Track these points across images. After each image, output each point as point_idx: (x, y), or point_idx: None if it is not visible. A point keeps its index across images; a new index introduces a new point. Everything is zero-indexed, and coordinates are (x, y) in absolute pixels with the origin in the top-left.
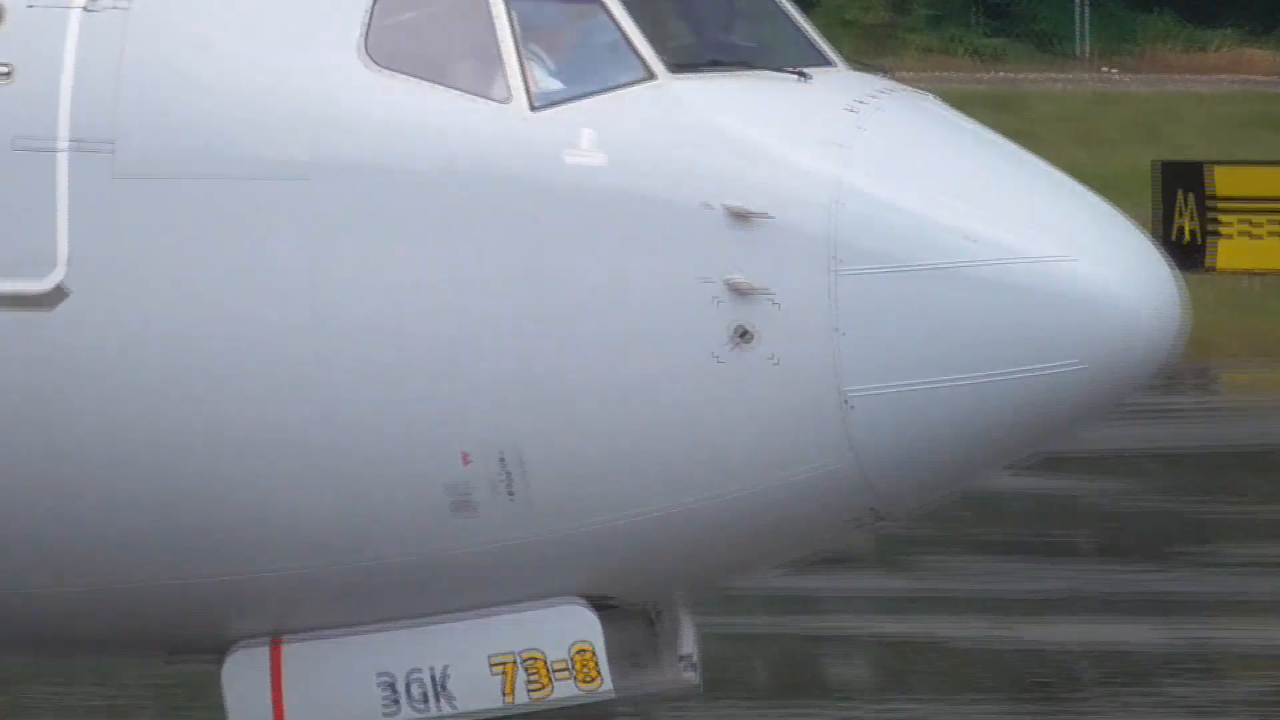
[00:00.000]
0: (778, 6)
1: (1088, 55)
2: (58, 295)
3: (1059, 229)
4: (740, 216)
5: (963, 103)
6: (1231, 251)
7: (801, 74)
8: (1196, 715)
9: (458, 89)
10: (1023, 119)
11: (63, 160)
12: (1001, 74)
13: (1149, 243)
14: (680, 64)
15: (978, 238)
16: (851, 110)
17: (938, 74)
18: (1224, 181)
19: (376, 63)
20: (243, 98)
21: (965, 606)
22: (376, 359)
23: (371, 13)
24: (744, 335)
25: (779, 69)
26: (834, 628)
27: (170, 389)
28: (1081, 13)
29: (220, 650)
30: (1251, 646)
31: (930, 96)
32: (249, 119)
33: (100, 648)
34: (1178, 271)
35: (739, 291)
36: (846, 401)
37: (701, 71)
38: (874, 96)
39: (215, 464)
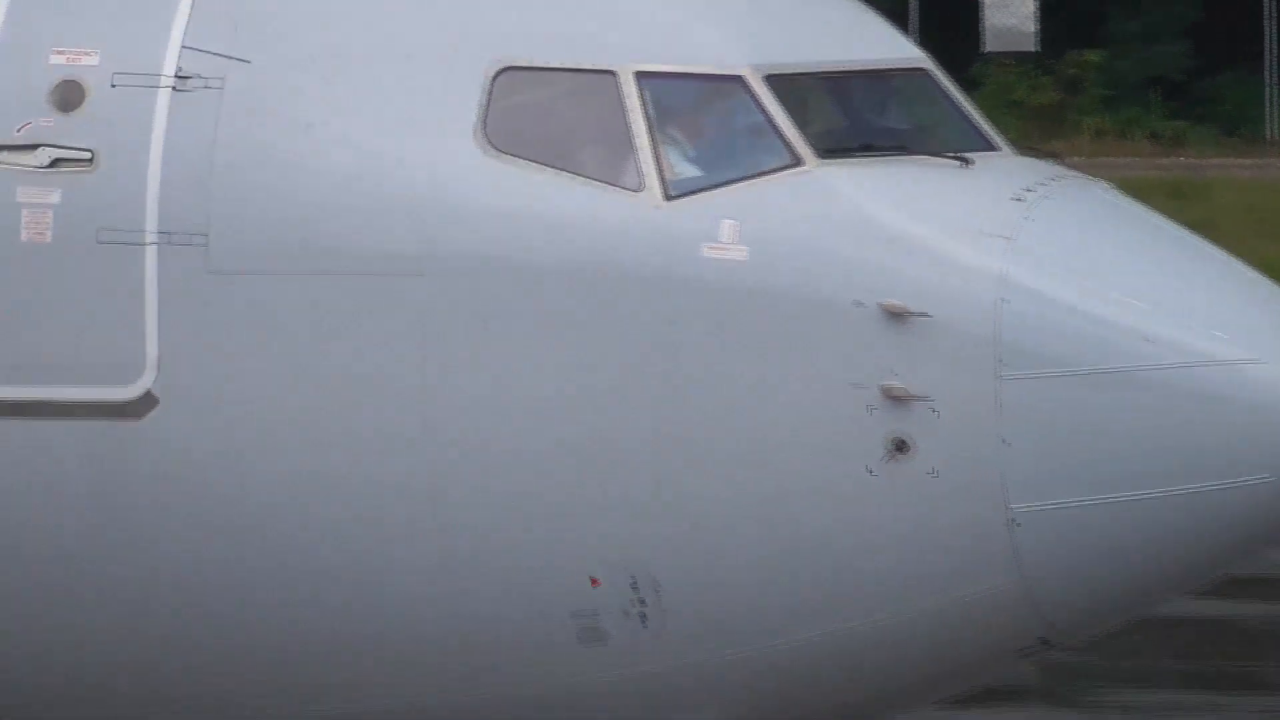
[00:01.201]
0: (937, 87)
1: (1277, 139)
2: (147, 403)
3: (1246, 329)
4: (896, 316)
5: (1140, 190)
6: None
7: (963, 160)
8: None
9: (585, 176)
10: (1205, 208)
11: (151, 254)
12: (1182, 159)
13: None
14: (830, 149)
15: (1156, 339)
16: (1018, 199)
17: (1112, 159)
18: None
19: (495, 147)
20: (347, 185)
21: None
22: (495, 474)
23: (489, 93)
24: (901, 446)
25: (938, 154)
26: None
27: (269, 511)
28: (1271, 93)
29: None
30: None
31: (1104, 184)
32: (354, 209)
33: None
34: None
35: (895, 398)
36: (1013, 520)
37: (853, 157)
38: (1042, 184)
39: (319, 589)
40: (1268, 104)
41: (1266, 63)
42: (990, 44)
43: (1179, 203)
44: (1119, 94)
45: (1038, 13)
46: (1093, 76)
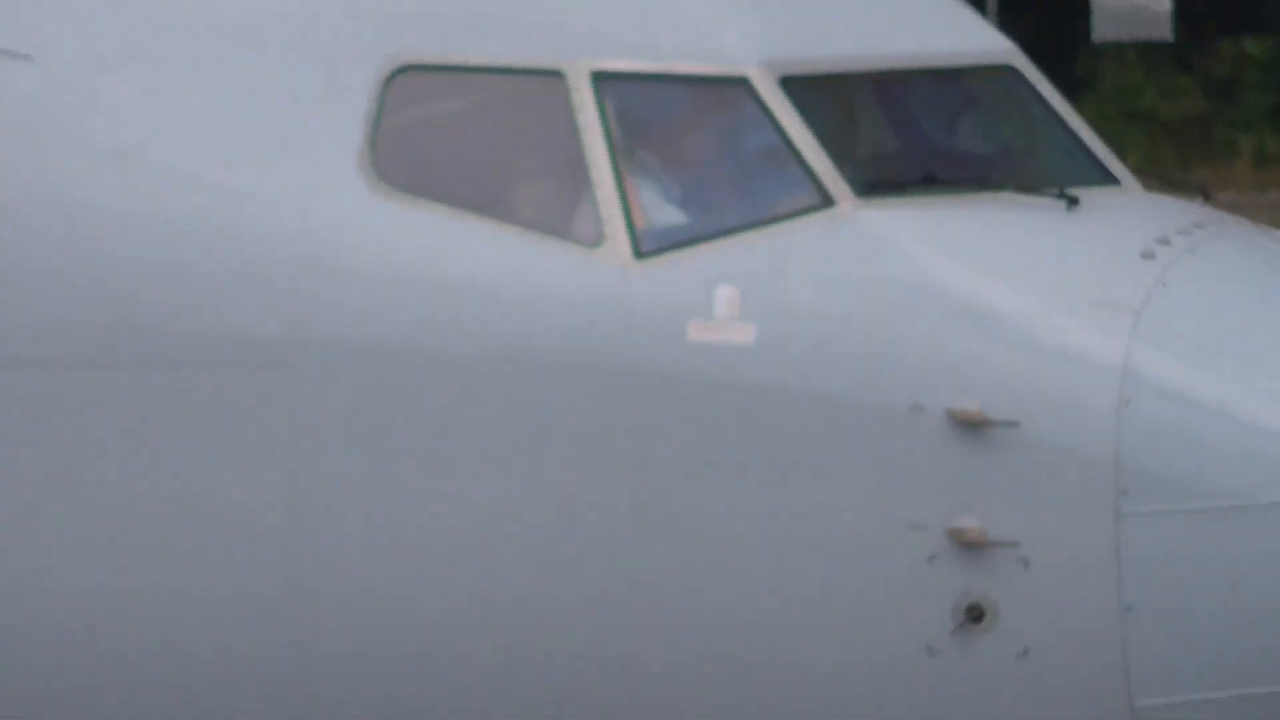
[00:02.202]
0: (1031, 92)
1: None
2: None
3: None
4: (972, 426)
5: None
6: None
7: (1069, 199)
8: None
9: (519, 224)
10: None
11: None
12: None
13: None
14: (875, 183)
15: None
16: (1149, 255)
17: None
18: None
19: (389, 182)
20: (178, 239)
21: None
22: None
23: (382, 103)
24: (976, 615)
25: (1033, 190)
26: None
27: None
28: None
29: None
30: None
31: (1274, 232)
32: (188, 273)
33: None
34: None
35: (969, 545)
36: None
37: (908, 195)
38: (1184, 233)
39: None
40: None
41: None
42: (1104, 29)
43: None
44: None
45: None
46: (1255, 75)
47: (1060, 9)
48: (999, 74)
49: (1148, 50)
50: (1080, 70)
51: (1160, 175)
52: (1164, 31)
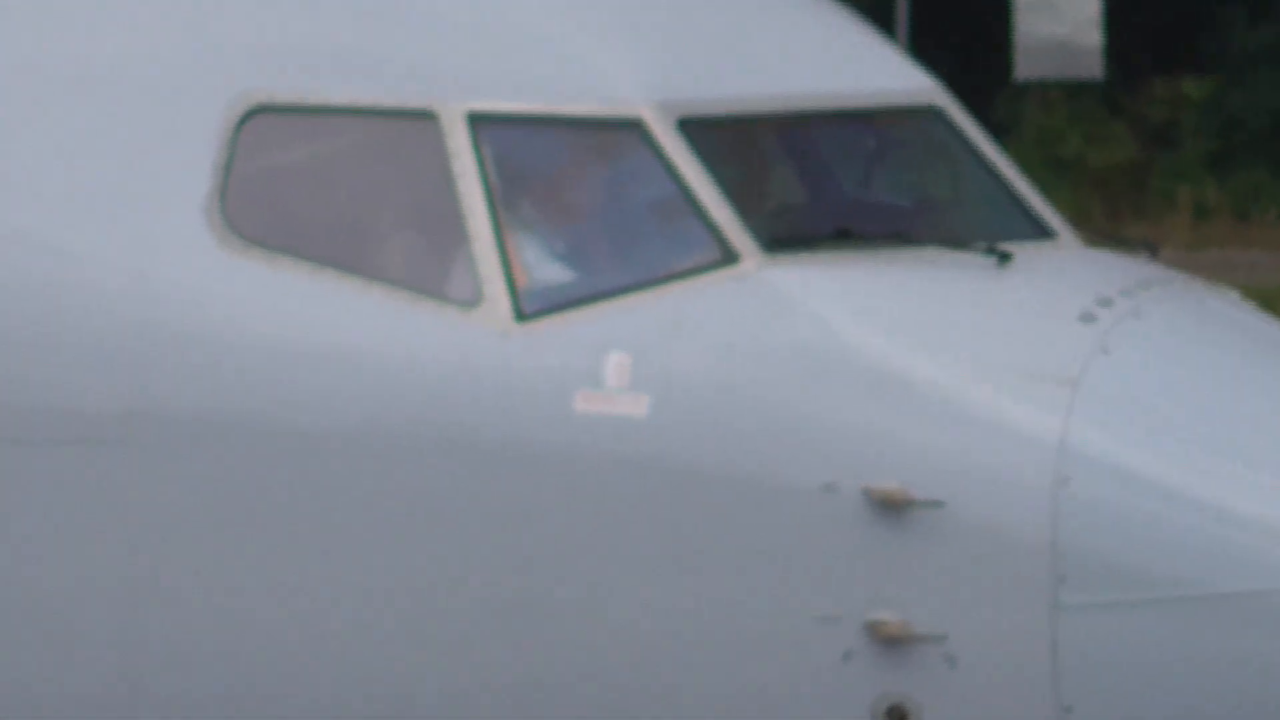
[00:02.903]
0: (957, 137)
1: None
2: None
3: None
4: (890, 507)
5: (1273, 304)
6: None
7: (1000, 255)
8: None
9: (386, 282)
10: None
11: None
12: None
13: None
14: (782, 238)
15: None
16: (1089, 318)
17: (1225, 252)
18: None
19: (240, 234)
20: (5, 304)
21: None
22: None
23: (233, 148)
24: (897, 718)
25: (960, 245)
26: None
27: None
28: None
29: None
30: None
31: (1227, 293)
32: (9, 340)
33: None
34: None
35: (888, 639)
36: None
37: (821, 251)
38: (1128, 294)
39: None
40: None
41: None
42: (1025, 67)
43: None
44: (1237, 147)
45: (1102, 18)
46: (1193, 119)
47: (977, 45)
48: (921, 116)
49: (1075, 91)
50: (999, 113)
51: (1090, 230)
52: (1093, 70)
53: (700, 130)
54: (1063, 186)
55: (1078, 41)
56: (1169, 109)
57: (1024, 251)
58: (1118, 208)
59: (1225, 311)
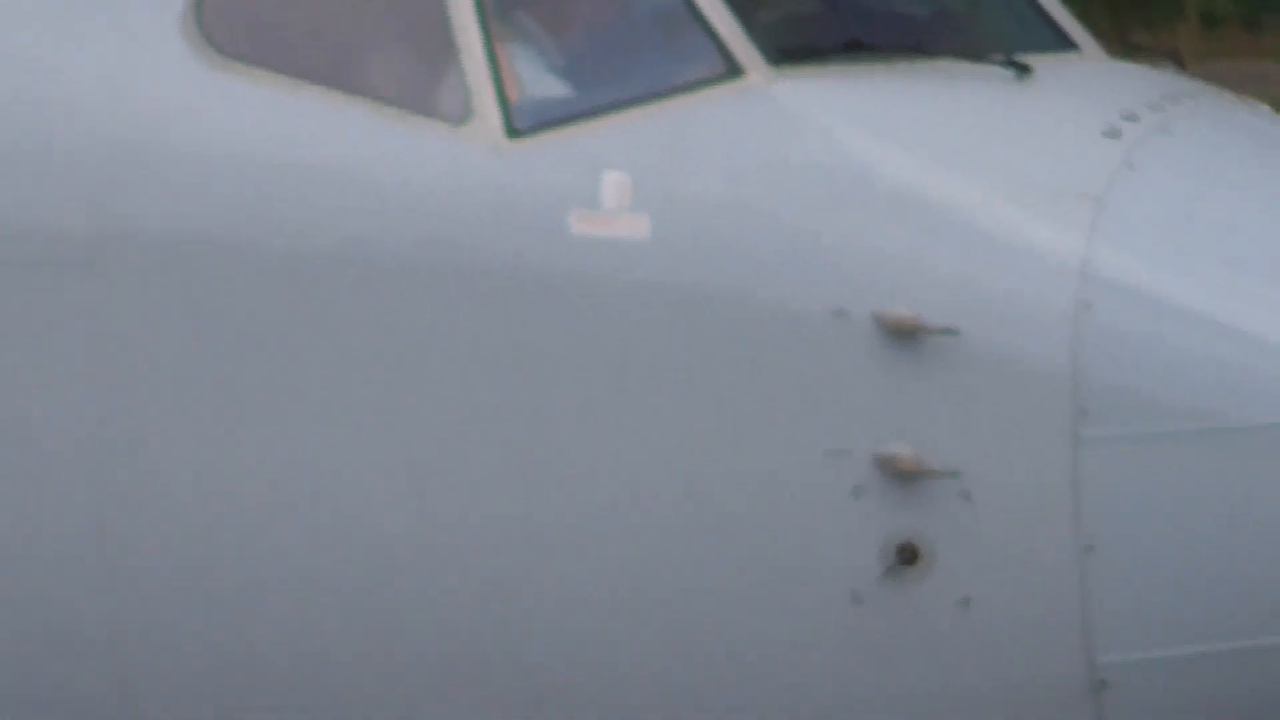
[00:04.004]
0: None
1: None
2: None
3: None
4: (904, 334)
5: None
6: None
7: (1020, 67)
8: None
9: (371, 97)
10: None
11: None
12: None
13: None
14: (791, 49)
15: None
16: (1113, 134)
17: (1236, 64)
18: None
19: (219, 49)
20: None
21: None
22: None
23: None
24: (909, 557)
25: (978, 58)
26: None
27: None
28: None
29: None
30: None
31: (1256, 105)
32: None
33: None
34: None
35: (900, 474)
36: (1103, 681)
37: (831, 63)
38: (1155, 108)
39: None
40: None
41: None
42: None
43: None
44: None
45: None
46: None
47: None
48: None
49: None
50: None
51: (1129, 44)
52: None
53: None
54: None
55: None
56: None
57: (1044, 64)
58: (1122, 17)
59: (1256, 125)
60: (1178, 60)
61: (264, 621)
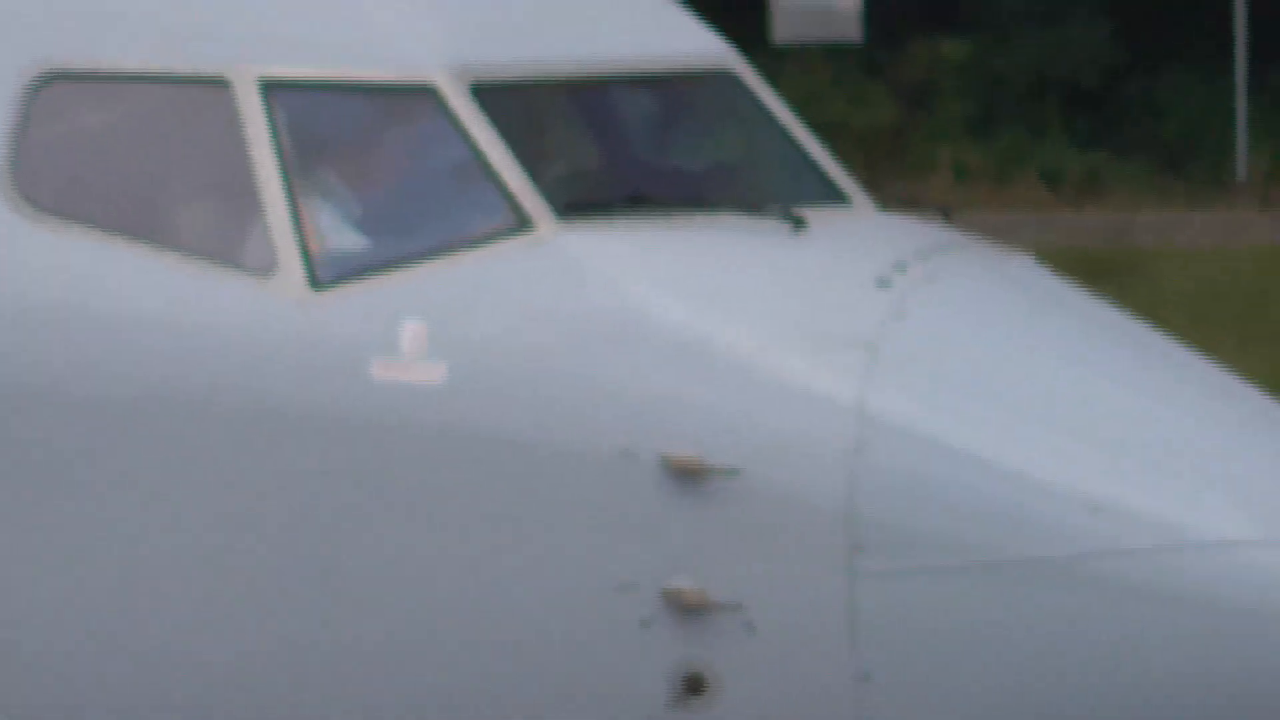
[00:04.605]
0: (752, 101)
1: (1254, 182)
2: None
3: (1252, 489)
4: (687, 474)
5: (1064, 265)
6: None
7: (795, 220)
8: None
9: (181, 250)
10: (1145, 290)
11: None
12: (1099, 213)
13: None
14: (577, 204)
15: (1107, 506)
16: (885, 283)
17: (984, 214)
18: None
19: (31, 202)
20: None
21: None
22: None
23: (27, 113)
24: (696, 686)
25: (755, 211)
26: None
27: None
28: (1241, 109)
29: None
30: None
31: (1022, 258)
32: None
33: None
34: None
35: (686, 607)
36: None
37: (616, 218)
38: (923, 258)
39: None
40: (1238, 125)
41: (1236, 61)
42: (783, 29)
43: (1098, 284)
44: (996, 108)
45: None
46: (952, 81)
47: (734, 6)
48: (715, 80)
49: (833, 53)
50: (759, 74)
51: (903, 200)
52: (851, 32)
53: (494, 96)
54: (825, 148)
55: (835, 4)
56: (927, 70)
57: (818, 216)
58: (880, 170)
59: (1021, 275)
60: (945, 212)
61: None
